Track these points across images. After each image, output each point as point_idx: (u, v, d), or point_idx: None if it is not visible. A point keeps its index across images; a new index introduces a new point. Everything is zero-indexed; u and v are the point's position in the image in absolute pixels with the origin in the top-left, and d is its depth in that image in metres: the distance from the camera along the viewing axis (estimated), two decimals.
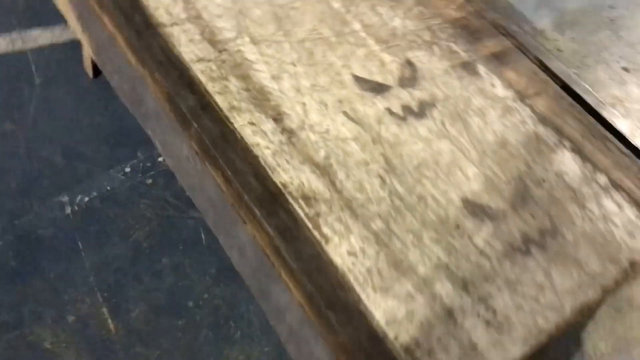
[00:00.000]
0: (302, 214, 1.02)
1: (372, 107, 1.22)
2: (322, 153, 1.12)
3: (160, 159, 1.47)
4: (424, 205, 1.09)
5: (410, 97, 1.27)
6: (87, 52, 1.56)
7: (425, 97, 1.28)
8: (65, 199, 1.35)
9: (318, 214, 1.03)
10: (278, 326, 1.12)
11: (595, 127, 1.34)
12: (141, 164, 1.44)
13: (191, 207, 1.41)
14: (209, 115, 1.11)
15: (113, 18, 1.22)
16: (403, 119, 1.23)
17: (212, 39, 1.24)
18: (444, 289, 0.99)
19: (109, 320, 1.21)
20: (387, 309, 0.94)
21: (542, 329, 0.98)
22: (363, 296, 0.94)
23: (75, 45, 1.61)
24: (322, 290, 0.94)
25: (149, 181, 1.42)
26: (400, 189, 1.11)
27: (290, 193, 1.04)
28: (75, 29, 1.46)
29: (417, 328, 0.93)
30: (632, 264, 1.11)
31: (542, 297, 1.02)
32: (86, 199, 1.36)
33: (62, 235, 1.29)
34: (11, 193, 1.34)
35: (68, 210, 1.34)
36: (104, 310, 1.22)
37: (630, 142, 1.34)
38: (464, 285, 1.00)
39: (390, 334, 0.91)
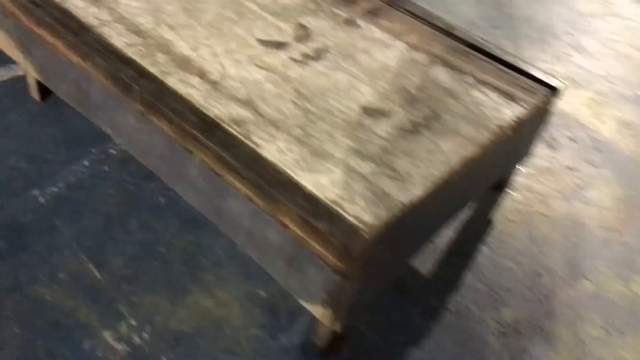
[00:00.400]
0: (235, 132, 1.28)
1: (277, 58, 1.51)
2: (243, 92, 1.39)
3: (112, 151, 1.71)
4: (331, 115, 1.37)
5: (307, 47, 1.57)
6: (32, 80, 1.80)
7: (319, 46, 1.58)
8: (37, 192, 1.56)
9: (248, 131, 1.29)
10: (237, 236, 1.36)
11: (459, 46, 1.67)
12: (96, 158, 1.67)
13: (147, 180, 1.64)
14: (146, 80, 1.37)
15: (51, 29, 1.48)
16: (304, 62, 1.52)
17: (136, 31, 1.51)
18: (356, 162, 1.26)
19: (96, 271, 1.41)
20: (313, 180, 1.20)
21: (436, 176, 1.26)
22: (294, 175, 1.20)
23: (19, 79, 1.86)
24: (261, 176, 1.19)
25: (106, 168, 1.65)
26: (311, 107, 1.39)
27: (223, 121, 1.30)
28: (18, 59, 1.70)
29: (339, 188, 1.19)
30: (499, 126, 1.42)
31: (433, 157, 1.31)
32: (55, 189, 1.57)
33: (41, 218, 1.50)
34: None
35: (42, 200, 1.55)
36: (90, 265, 1.42)
37: (490, 53, 1.67)
38: (371, 158, 1.27)
39: (319, 194, 1.17)
